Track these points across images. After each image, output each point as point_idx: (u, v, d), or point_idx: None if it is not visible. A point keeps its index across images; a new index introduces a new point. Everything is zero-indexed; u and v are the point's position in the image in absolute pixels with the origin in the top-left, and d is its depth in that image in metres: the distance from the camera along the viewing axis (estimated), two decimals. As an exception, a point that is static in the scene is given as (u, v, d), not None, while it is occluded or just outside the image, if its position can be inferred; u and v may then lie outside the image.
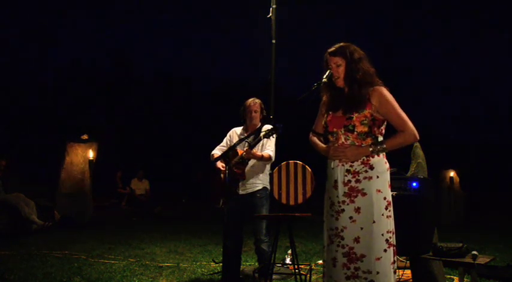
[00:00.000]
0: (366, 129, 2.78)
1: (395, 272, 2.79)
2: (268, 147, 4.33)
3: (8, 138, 19.41)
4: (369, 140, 2.79)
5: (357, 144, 2.80)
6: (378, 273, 2.70)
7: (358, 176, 2.77)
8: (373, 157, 2.78)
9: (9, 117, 22.65)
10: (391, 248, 2.76)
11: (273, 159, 4.37)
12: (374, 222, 2.72)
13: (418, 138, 2.82)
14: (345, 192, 2.79)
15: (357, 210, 2.75)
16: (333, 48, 2.89)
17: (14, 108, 23.34)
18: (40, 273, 4.78)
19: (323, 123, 2.95)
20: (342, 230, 2.77)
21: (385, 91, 2.83)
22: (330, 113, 2.91)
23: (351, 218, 2.76)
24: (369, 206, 2.74)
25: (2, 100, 22.70)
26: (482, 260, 3.55)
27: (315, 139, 3.08)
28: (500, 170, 22.76)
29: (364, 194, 2.75)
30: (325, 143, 3.00)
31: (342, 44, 2.91)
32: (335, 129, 2.86)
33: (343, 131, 2.82)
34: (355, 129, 2.78)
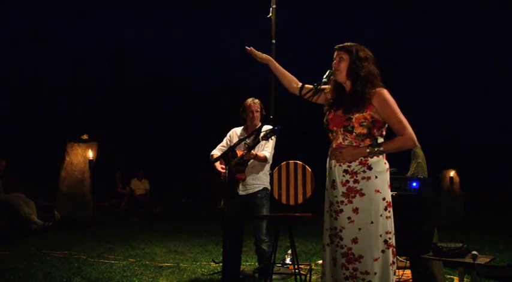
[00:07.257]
0: (364, 131, 2.76)
1: (394, 273, 2.77)
2: (266, 149, 4.32)
3: (8, 138, 19.39)
4: (367, 141, 2.77)
5: (355, 144, 2.78)
6: (375, 274, 2.69)
7: (356, 177, 2.75)
8: (371, 157, 2.77)
9: (9, 117, 22.65)
10: (390, 249, 2.74)
11: (269, 161, 4.35)
12: (372, 223, 2.71)
13: (417, 144, 2.79)
14: (343, 193, 2.77)
15: (355, 210, 2.74)
16: (341, 44, 2.91)
17: (14, 108, 23.34)
18: (40, 273, 4.78)
19: (325, 120, 2.93)
20: (341, 230, 2.76)
21: (386, 94, 2.80)
22: (332, 110, 2.90)
23: (349, 218, 2.75)
24: (367, 206, 2.72)
25: (2, 100, 22.70)
26: (482, 260, 3.56)
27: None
28: (500, 170, 22.77)
29: (362, 195, 2.74)
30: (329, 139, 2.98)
31: (351, 43, 2.92)
32: (335, 128, 2.85)
33: (342, 131, 2.80)
34: (354, 131, 2.76)
